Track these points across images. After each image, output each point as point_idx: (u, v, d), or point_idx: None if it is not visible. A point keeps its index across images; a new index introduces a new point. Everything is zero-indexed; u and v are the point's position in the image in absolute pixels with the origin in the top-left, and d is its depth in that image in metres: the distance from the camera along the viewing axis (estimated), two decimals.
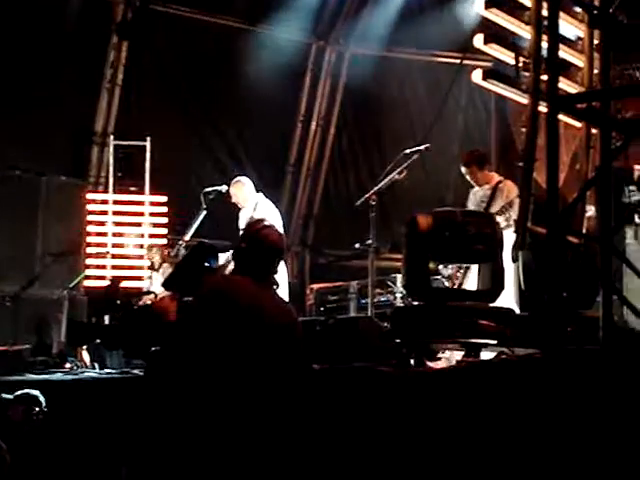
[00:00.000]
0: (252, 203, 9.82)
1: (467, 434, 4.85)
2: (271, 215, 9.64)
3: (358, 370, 5.62)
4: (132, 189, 12.60)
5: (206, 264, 5.46)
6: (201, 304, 4.89)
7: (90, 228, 12.27)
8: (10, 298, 11.34)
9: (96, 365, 9.21)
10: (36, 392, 7.50)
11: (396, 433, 5.15)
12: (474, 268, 7.67)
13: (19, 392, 7.53)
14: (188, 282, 5.27)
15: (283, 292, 9.51)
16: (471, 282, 7.73)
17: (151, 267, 10.99)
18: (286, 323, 5.03)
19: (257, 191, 9.95)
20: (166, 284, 5.76)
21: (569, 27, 6.04)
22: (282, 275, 9.61)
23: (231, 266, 5.43)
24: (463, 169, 8.37)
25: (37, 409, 7.45)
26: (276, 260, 5.13)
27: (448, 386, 4.99)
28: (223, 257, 7.76)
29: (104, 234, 12.31)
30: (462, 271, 7.99)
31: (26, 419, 7.43)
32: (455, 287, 7.79)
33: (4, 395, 7.57)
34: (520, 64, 5.68)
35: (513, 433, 4.72)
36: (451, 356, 6.58)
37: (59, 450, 7.44)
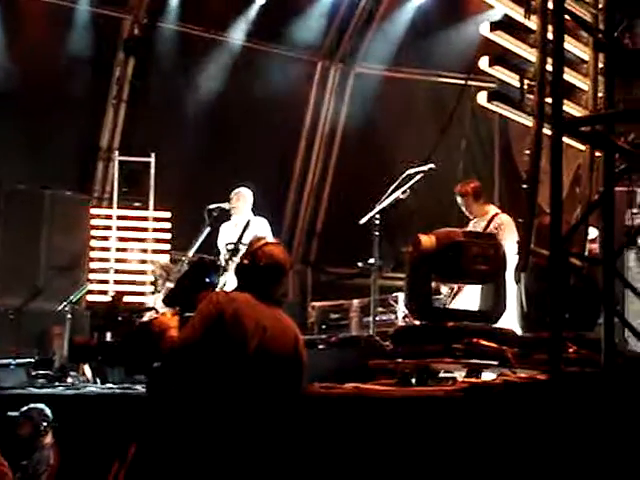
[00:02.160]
0: (244, 219, 9.85)
1: (468, 455, 4.85)
2: (265, 234, 9.67)
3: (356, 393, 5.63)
4: (136, 204, 12.64)
5: (207, 280, 5.47)
6: (203, 321, 4.89)
7: (94, 243, 12.30)
8: (13, 311, 11.36)
9: (98, 380, 9.21)
10: (42, 406, 7.51)
11: (398, 453, 5.15)
12: (466, 289, 7.69)
13: (25, 408, 7.54)
14: (189, 298, 5.27)
15: None
16: (460, 303, 7.74)
17: (154, 283, 11.01)
18: (288, 343, 5.04)
19: (256, 211, 9.99)
20: (167, 300, 5.77)
21: (574, 50, 6.07)
22: None
23: None
24: (459, 199, 8.37)
25: (45, 424, 7.46)
26: (280, 278, 5.13)
27: (450, 408, 5.00)
28: None
29: (107, 249, 12.34)
30: (450, 291, 8.01)
31: (35, 435, 7.44)
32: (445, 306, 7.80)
33: (10, 413, 7.58)
34: (525, 87, 5.70)
35: (514, 455, 4.73)
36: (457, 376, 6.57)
37: (62, 464, 7.46)
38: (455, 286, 7.97)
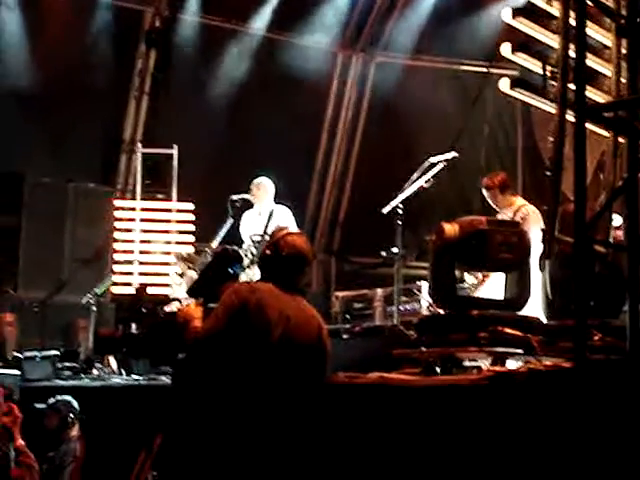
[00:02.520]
0: (267, 208, 9.86)
1: (494, 444, 4.84)
2: (288, 223, 9.67)
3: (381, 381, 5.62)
4: (159, 196, 12.65)
5: (230, 270, 5.48)
6: (226, 311, 4.89)
7: (117, 235, 12.32)
8: (38, 304, 11.44)
9: (123, 371, 9.25)
10: (68, 397, 7.55)
11: (421, 443, 5.15)
12: (492, 278, 7.67)
13: (52, 400, 7.59)
14: (212, 289, 5.28)
15: None
16: (485, 291, 7.72)
17: (179, 274, 11.03)
18: (312, 332, 5.04)
19: (278, 200, 9.99)
20: (190, 291, 5.79)
21: (597, 36, 6.03)
22: None
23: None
24: (484, 192, 8.37)
25: (72, 416, 7.51)
26: (303, 267, 5.13)
27: (475, 396, 4.99)
28: None
29: (131, 241, 12.36)
30: (477, 281, 7.99)
31: (61, 427, 7.49)
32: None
33: (37, 405, 7.63)
34: (548, 73, 5.67)
35: (540, 443, 4.72)
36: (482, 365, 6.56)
37: (88, 456, 7.50)
38: (480, 275, 7.95)
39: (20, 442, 6.93)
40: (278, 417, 4.82)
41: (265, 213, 9.85)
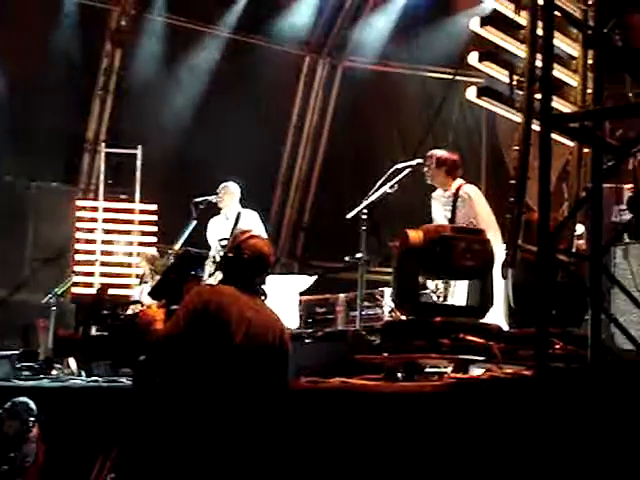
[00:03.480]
0: (234, 212, 9.84)
1: (455, 451, 4.85)
2: (255, 227, 9.65)
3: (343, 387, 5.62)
4: (122, 197, 12.60)
5: (192, 272, 5.46)
6: (187, 314, 4.88)
7: (79, 235, 12.25)
8: None
9: (83, 373, 9.18)
10: (26, 399, 7.47)
11: (382, 448, 5.15)
12: (459, 283, 7.66)
13: (8, 404, 7.50)
14: (174, 291, 5.26)
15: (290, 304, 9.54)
16: (457, 297, 7.72)
17: (141, 277, 10.98)
18: (273, 334, 5.03)
19: (244, 204, 9.97)
20: (152, 293, 5.75)
21: (563, 46, 6.07)
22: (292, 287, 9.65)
23: None
24: (431, 163, 8.11)
25: (32, 419, 7.43)
26: (264, 270, 5.14)
27: (436, 403, 5.00)
28: None
29: (93, 241, 12.29)
30: (444, 285, 7.98)
31: (21, 431, 7.42)
32: (439, 301, 7.78)
33: None
34: (514, 82, 5.70)
35: (501, 450, 4.73)
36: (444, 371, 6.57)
37: (48, 457, 7.44)
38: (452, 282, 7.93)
39: None
40: (239, 420, 4.81)
41: (232, 217, 9.83)
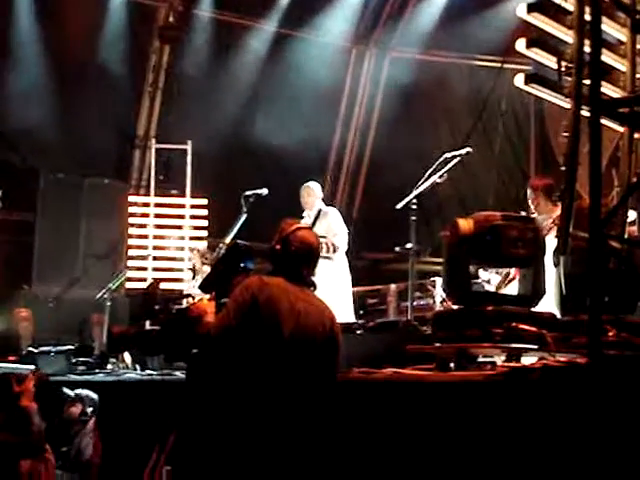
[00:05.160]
0: (315, 210, 9.87)
1: (509, 440, 4.84)
2: (335, 222, 9.70)
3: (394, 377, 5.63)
4: (173, 192, 12.69)
5: (241, 265, 5.48)
6: (237, 307, 4.90)
7: (132, 230, 12.37)
8: (53, 299, 11.48)
9: (137, 366, 9.27)
10: (95, 395, 7.58)
11: (435, 439, 5.15)
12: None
13: (80, 390, 7.63)
14: (225, 284, 5.28)
15: (343, 295, 9.55)
16: (511, 289, 7.69)
17: (192, 270, 11.05)
18: (324, 326, 5.04)
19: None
20: (202, 286, 5.78)
21: (612, 31, 6.01)
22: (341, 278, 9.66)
23: None
24: (528, 192, 8.24)
25: (91, 409, 7.54)
26: (311, 261, 5.15)
27: (489, 392, 4.99)
28: None
29: (145, 236, 12.40)
30: (501, 277, 7.95)
31: (80, 418, 7.53)
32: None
33: (66, 390, 7.67)
34: (562, 68, 5.66)
35: (555, 439, 4.71)
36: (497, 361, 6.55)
37: (103, 451, 7.52)
38: (511, 272, 7.89)
39: (28, 404, 6.96)
40: (291, 412, 4.83)
41: (312, 215, 9.87)
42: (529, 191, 8.23)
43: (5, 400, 6.99)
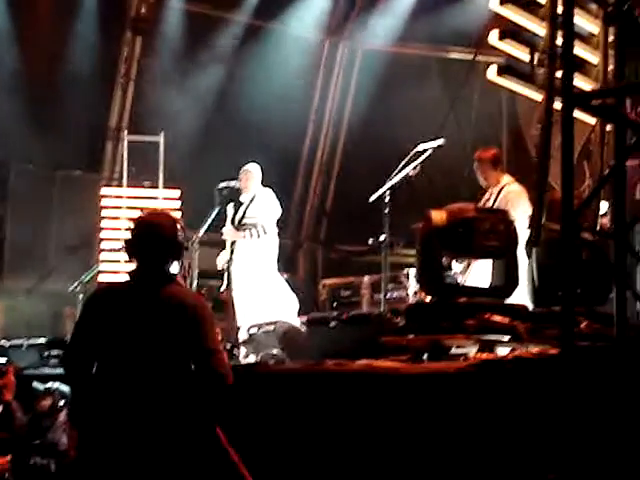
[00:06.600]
0: (251, 194, 9.81)
1: (481, 431, 4.86)
2: (266, 205, 9.65)
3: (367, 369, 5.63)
4: (146, 184, 12.64)
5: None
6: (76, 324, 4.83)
7: (104, 223, 12.31)
8: (24, 292, 11.42)
9: None
10: (66, 388, 7.56)
11: (409, 430, 5.16)
12: (476, 264, 7.67)
13: (50, 384, 7.60)
14: None
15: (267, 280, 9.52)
16: (471, 278, 7.72)
17: None
18: (164, 318, 4.68)
19: (264, 185, 9.93)
20: None
21: (584, 23, 6.03)
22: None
23: None
24: (475, 165, 8.37)
25: (62, 402, 7.52)
26: (158, 245, 4.80)
27: (462, 383, 5.01)
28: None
29: (118, 229, 12.34)
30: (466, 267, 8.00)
31: (51, 411, 7.51)
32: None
33: (36, 384, 7.64)
34: (535, 60, 5.67)
35: (526, 430, 4.74)
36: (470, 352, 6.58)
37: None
38: (466, 262, 7.96)
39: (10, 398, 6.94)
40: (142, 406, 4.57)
41: (248, 199, 9.81)
42: (476, 163, 8.34)
43: None
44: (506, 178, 8.32)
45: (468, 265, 7.98)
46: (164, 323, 4.64)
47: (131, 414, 4.55)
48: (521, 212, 7.33)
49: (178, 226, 4.86)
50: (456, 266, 8.14)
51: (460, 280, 7.90)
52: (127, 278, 4.84)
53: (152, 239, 4.80)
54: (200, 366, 4.65)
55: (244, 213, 9.69)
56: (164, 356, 4.61)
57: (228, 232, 9.74)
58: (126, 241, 4.86)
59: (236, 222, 9.72)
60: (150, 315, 4.67)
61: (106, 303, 4.79)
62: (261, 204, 9.70)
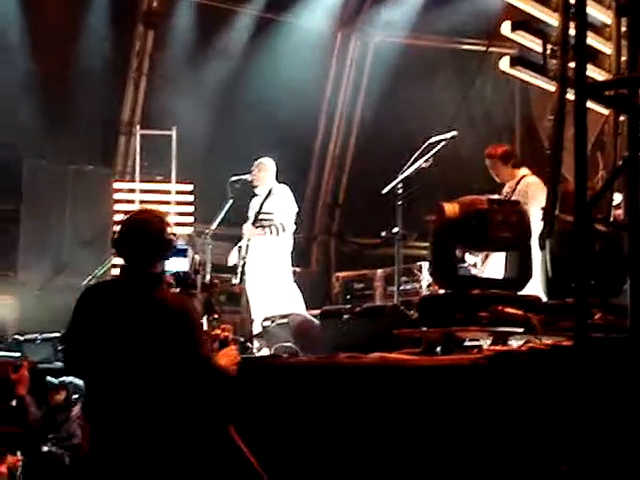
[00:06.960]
0: (267, 188, 9.80)
1: (495, 423, 4.85)
2: (284, 202, 9.64)
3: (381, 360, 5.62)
4: (158, 178, 12.66)
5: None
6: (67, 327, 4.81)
7: (117, 217, 12.32)
8: (38, 286, 11.44)
9: None
10: (80, 382, 7.58)
11: (422, 422, 5.16)
12: (493, 256, 7.67)
13: (64, 378, 7.64)
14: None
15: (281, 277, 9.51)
16: (489, 270, 7.73)
17: None
18: (149, 321, 4.61)
19: (278, 181, 9.91)
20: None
21: (597, 14, 6.00)
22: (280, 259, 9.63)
23: None
24: (487, 162, 8.39)
25: (76, 396, 7.55)
26: (144, 243, 4.75)
27: (476, 376, 5.00)
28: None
29: None
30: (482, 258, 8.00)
31: (65, 405, 7.55)
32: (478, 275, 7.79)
33: (49, 378, 7.67)
34: (548, 51, 5.65)
35: (540, 422, 4.73)
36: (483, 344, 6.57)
37: None
38: (482, 255, 7.95)
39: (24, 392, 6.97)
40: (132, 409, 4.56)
41: (264, 193, 9.80)
42: (487, 161, 8.37)
43: (2, 389, 6.99)
44: (523, 171, 8.35)
45: (486, 257, 7.98)
46: (150, 327, 4.54)
47: (130, 416, 4.52)
48: (538, 204, 7.30)
49: (167, 223, 4.78)
50: (470, 258, 8.13)
51: (477, 272, 7.90)
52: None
53: (137, 236, 4.74)
54: (200, 372, 4.61)
55: (260, 207, 9.67)
56: (152, 359, 4.52)
57: (248, 229, 9.72)
58: (112, 238, 4.82)
59: (253, 217, 9.70)
60: (135, 318, 4.59)
61: (95, 301, 4.76)
62: (279, 201, 9.68)
